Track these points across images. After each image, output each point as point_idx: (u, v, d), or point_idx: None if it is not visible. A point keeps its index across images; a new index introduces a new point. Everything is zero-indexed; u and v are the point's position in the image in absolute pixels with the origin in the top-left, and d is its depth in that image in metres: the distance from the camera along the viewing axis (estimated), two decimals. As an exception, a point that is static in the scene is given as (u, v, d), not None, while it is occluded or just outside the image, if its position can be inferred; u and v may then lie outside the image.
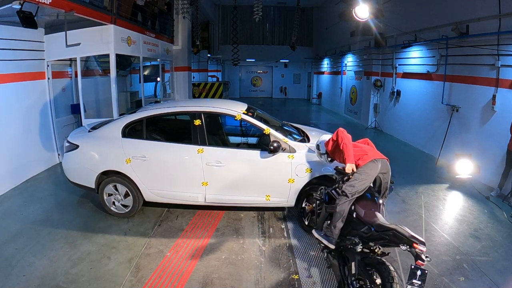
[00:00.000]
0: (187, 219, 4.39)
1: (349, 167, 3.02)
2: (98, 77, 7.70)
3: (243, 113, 4.19)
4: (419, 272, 2.25)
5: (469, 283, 3.19)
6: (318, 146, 3.55)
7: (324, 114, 15.78)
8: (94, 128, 4.56)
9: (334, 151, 3.35)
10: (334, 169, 3.40)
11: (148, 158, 4.07)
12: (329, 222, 3.18)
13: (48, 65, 6.08)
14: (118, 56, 6.45)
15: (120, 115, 5.71)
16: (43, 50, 5.97)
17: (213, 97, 14.63)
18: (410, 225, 3.74)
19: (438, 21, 7.10)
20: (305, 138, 4.40)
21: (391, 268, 2.52)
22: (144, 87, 8.51)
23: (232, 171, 4.06)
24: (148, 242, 3.82)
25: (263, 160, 3.99)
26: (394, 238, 2.48)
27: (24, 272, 3.22)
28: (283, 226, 4.27)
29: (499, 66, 5.54)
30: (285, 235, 4.06)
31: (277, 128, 4.27)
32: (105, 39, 6.12)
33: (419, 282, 2.24)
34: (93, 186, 4.29)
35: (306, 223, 4.06)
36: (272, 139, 3.98)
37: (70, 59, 6.67)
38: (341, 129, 3.22)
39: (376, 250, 2.74)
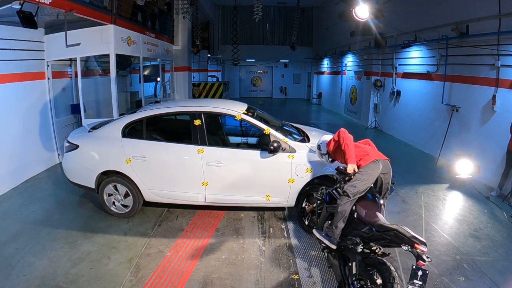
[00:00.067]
0: (187, 219, 4.39)
1: (350, 167, 3.02)
2: (98, 77, 7.70)
3: (243, 113, 4.19)
4: (420, 273, 2.26)
5: (469, 283, 3.19)
6: (319, 147, 3.55)
7: (324, 114, 15.78)
8: (94, 128, 4.56)
9: (335, 152, 3.35)
10: (336, 169, 3.40)
11: (148, 158, 4.07)
12: (329, 222, 3.18)
13: (48, 65, 6.07)
14: (118, 56, 6.45)
15: (120, 115, 5.71)
16: (43, 50, 5.97)
17: (213, 97, 14.63)
18: (410, 225, 3.74)
19: (438, 21, 7.10)
20: (305, 138, 4.40)
21: (392, 268, 2.52)
22: (144, 87, 8.51)
23: (232, 171, 4.06)
24: (148, 242, 3.82)
25: (263, 160, 3.99)
26: (395, 238, 2.48)
27: (24, 272, 3.22)
28: (283, 226, 4.27)
29: (499, 66, 5.54)
30: (285, 235, 4.06)
31: (277, 128, 4.27)
32: (105, 39, 6.12)
33: (420, 283, 2.24)
34: (93, 186, 4.29)
35: (306, 223, 4.06)
36: (272, 139, 3.98)
37: (70, 59, 6.67)
38: (342, 129, 3.23)
39: (376, 251, 2.74)
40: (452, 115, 6.82)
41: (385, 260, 2.64)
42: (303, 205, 4.10)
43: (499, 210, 4.72)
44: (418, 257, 2.31)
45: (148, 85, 10.27)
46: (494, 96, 5.64)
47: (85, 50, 6.09)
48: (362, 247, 2.74)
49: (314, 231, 3.25)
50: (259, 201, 4.18)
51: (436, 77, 7.55)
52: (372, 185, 3.08)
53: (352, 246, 2.76)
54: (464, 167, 5.63)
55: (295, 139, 4.21)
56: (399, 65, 9.40)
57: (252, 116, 4.23)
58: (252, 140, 4.67)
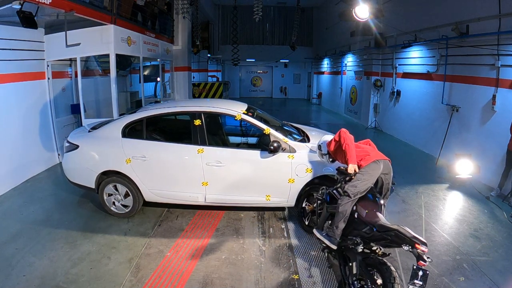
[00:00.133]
0: (187, 219, 4.39)
1: (351, 168, 3.03)
2: (98, 77, 7.70)
3: (243, 113, 4.19)
4: (420, 273, 2.27)
5: (469, 283, 3.19)
6: (319, 147, 3.55)
7: (324, 114, 15.78)
8: (94, 128, 4.56)
9: (336, 152, 3.35)
10: (336, 169, 3.40)
11: (148, 158, 4.07)
12: (330, 222, 3.18)
13: (48, 65, 6.07)
14: (118, 56, 6.45)
15: (120, 115, 5.71)
16: (43, 50, 5.97)
17: (213, 97, 14.62)
18: (410, 225, 3.74)
19: (438, 21, 7.10)
20: (305, 138, 4.40)
21: (393, 268, 2.53)
22: (144, 87, 8.51)
23: (232, 171, 4.06)
24: (148, 242, 3.82)
25: (263, 160, 3.99)
26: (396, 238, 2.48)
27: (24, 272, 3.22)
28: (283, 226, 4.27)
29: (499, 66, 5.54)
30: (285, 235, 4.06)
31: (277, 128, 4.27)
32: (105, 39, 6.12)
33: (421, 283, 2.25)
34: (93, 186, 4.28)
35: (306, 223, 4.06)
36: (272, 139, 3.98)
37: (70, 59, 6.67)
38: (343, 129, 3.23)
39: (377, 251, 2.74)
40: (452, 115, 6.82)
41: (385, 260, 2.64)
42: (303, 205, 4.10)
43: (499, 210, 4.72)
44: (419, 257, 2.31)
45: (148, 85, 10.27)
46: (494, 96, 5.64)
47: (85, 50, 6.09)
48: (362, 247, 2.74)
49: (314, 231, 3.25)
50: (259, 201, 4.18)
51: (436, 77, 7.55)
52: (372, 186, 3.08)
53: (353, 246, 2.76)
54: (464, 167, 5.63)
55: (295, 139, 4.21)
56: (399, 65, 9.40)
57: (252, 116, 4.23)
58: (252, 140, 4.67)
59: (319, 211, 3.58)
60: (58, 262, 3.39)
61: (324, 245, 3.12)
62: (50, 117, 6.25)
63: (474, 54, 6.11)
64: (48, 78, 6.12)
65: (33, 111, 5.83)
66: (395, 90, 9.58)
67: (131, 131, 4.25)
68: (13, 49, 5.18)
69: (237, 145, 4.64)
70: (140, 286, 3.09)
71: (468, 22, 6.20)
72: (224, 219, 4.41)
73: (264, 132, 4.06)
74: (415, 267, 2.30)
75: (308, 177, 3.99)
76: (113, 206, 4.34)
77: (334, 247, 3.00)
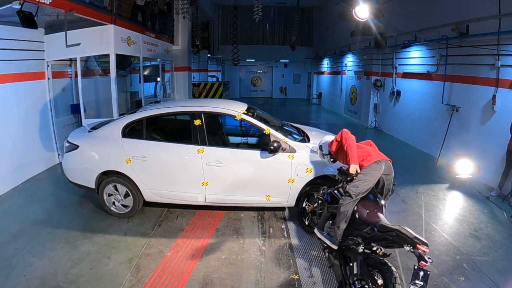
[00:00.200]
0: (187, 219, 4.39)
1: (353, 168, 3.03)
2: (98, 77, 7.70)
3: (243, 113, 4.19)
4: (421, 273, 2.27)
5: (469, 283, 3.19)
6: (321, 147, 3.56)
7: (324, 114, 15.78)
8: (94, 128, 4.56)
9: (337, 152, 3.36)
10: (338, 169, 3.40)
11: (148, 158, 4.07)
12: (330, 222, 3.18)
13: (48, 65, 6.07)
14: (118, 56, 6.45)
15: (120, 115, 5.71)
16: (43, 50, 5.97)
17: (213, 97, 14.62)
18: (410, 225, 3.73)
19: (438, 21, 7.10)
20: (305, 138, 4.40)
21: (394, 269, 2.53)
22: (144, 87, 8.51)
23: (232, 171, 4.06)
24: (148, 242, 3.82)
25: (263, 160, 3.99)
26: (397, 238, 2.49)
27: (24, 272, 3.22)
28: (283, 226, 4.27)
29: (499, 66, 5.54)
30: (285, 235, 4.06)
31: (277, 128, 4.27)
32: (105, 39, 6.12)
33: (422, 283, 2.25)
34: (93, 186, 4.28)
35: (307, 223, 4.06)
36: (272, 139, 3.98)
37: (70, 59, 6.67)
38: (345, 130, 3.23)
39: (377, 251, 2.74)
40: (452, 115, 6.82)
41: (386, 261, 2.64)
42: (304, 205, 4.10)
43: (499, 210, 4.72)
44: (420, 257, 2.32)
45: (148, 85, 10.27)
46: (494, 96, 5.64)
47: (85, 50, 6.09)
48: (363, 247, 2.74)
49: (315, 230, 3.25)
50: (259, 201, 4.18)
51: (436, 77, 7.55)
52: (373, 186, 3.08)
53: (354, 246, 2.76)
54: (464, 167, 5.63)
55: (295, 139, 4.21)
56: (399, 65, 9.40)
57: (252, 116, 4.23)
58: (252, 140, 4.67)
59: (319, 211, 3.58)
60: (58, 262, 3.39)
61: (325, 245, 3.12)
62: (50, 117, 6.25)
63: (474, 54, 6.11)
64: (48, 78, 6.12)
65: (33, 111, 5.83)
66: (395, 90, 9.58)
67: (131, 131, 4.25)
68: (13, 49, 5.18)
69: (237, 145, 4.64)
70: (140, 286, 3.09)
71: (468, 22, 6.20)
72: (224, 219, 4.41)
73: (264, 132, 4.06)
74: (416, 267, 2.30)
75: (308, 177, 3.99)
76: (113, 206, 4.34)
77: (335, 247, 3.00)
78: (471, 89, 6.35)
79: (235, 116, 4.16)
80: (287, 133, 4.29)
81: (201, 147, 4.03)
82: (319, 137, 4.18)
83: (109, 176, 4.23)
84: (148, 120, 4.25)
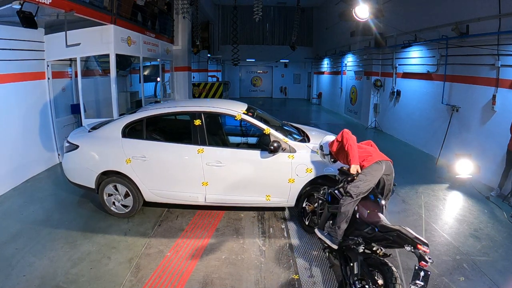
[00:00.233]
0: (187, 219, 4.39)
1: (354, 168, 3.03)
2: (98, 77, 7.70)
3: (243, 113, 4.19)
4: (422, 273, 2.27)
5: (469, 283, 3.19)
6: (321, 147, 3.56)
7: (324, 114, 15.78)
8: (94, 128, 4.56)
9: (338, 152, 3.36)
10: (338, 169, 3.40)
11: (148, 158, 4.07)
12: (331, 222, 3.19)
13: (48, 65, 6.07)
14: (118, 56, 6.45)
15: (120, 115, 5.71)
16: (43, 50, 5.97)
17: (213, 97, 14.62)
18: (410, 225, 3.73)
19: (438, 21, 7.10)
20: (305, 138, 4.40)
21: (394, 269, 2.53)
22: (144, 87, 8.51)
23: (232, 171, 4.06)
24: (148, 242, 3.82)
25: (263, 160, 3.99)
26: (398, 239, 2.49)
27: (24, 272, 3.22)
28: (283, 226, 4.27)
29: (499, 66, 5.54)
30: (285, 235, 4.06)
31: (277, 128, 4.27)
32: (105, 39, 6.12)
33: (422, 283, 2.26)
34: (93, 186, 4.28)
35: (307, 223, 4.06)
36: (272, 139, 3.98)
37: (70, 59, 6.67)
38: (346, 130, 3.23)
39: (378, 251, 2.74)
40: (452, 115, 6.82)
41: (387, 261, 2.65)
42: (304, 205, 4.10)
43: (499, 210, 4.72)
44: (421, 257, 2.32)
45: (148, 85, 10.27)
46: (494, 96, 5.64)
47: (85, 50, 6.09)
48: (363, 248, 2.74)
49: (316, 230, 3.25)
50: (259, 201, 4.18)
51: (436, 77, 7.55)
52: (374, 186, 3.09)
53: (354, 246, 2.76)
54: (464, 167, 5.63)
55: (295, 139, 4.21)
56: (399, 65, 9.40)
57: (252, 116, 4.23)
58: (252, 140, 4.67)
59: (320, 211, 3.58)
60: (58, 262, 3.39)
61: (325, 245, 3.12)
62: (50, 117, 6.25)
63: (474, 54, 6.11)
64: (48, 78, 6.12)
65: (33, 111, 5.83)
66: (395, 90, 9.58)
67: (131, 131, 4.24)
68: (13, 49, 5.18)
69: (237, 145, 4.64)
70: (140, 286, 3.09)
71: (468, 22, 6.20)
72: (224, 219, 4.41)
73: (264, 132, 4.06)
74: (417, 267, 2.31)
75: (308, 177, 3.99)
76: (113, 206, 4.34)
77: (335, 246, 3.00)
78: (471, 89, 6.35)
79: (235, 116, 4.16)
80: (287, 133, 4.29)
81: (201, 147, 4.03)
82: (319, 137, 4.18)
83: (109, 176, 4.23)
84: (148, 120, 4.25)
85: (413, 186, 5.59)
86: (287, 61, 20.70)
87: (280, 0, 18.65)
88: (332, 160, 3.52)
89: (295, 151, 4.00)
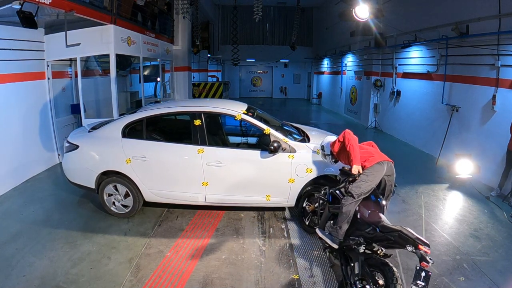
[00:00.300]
0: (187, 219, 4.39)
1: (355, 169, 3.03)
2: (98, 77, 7.70)
3: (243, 113, 4.19)
4: (423, 274, 2.28)
5: (469, 283, 3.19)
6: (323, 147, 3.56)
7: (324, 114, 15.78)
8: (94, 128, 4.56)
9: (340, 153, 3.36)
10: (340, 170, 3.40)
11: (148, 158, 4.07)
12: (332, 222, 3.19)
13: (48, 65, 6.07)
14: (118, 56, 6.45)
15: (120, 115, 5.71)
16: (43, 50, 5.97)
17: (213, 97, 14.62)
18: (410, 225, 3.73)
19: (438, 21, 7.10)
20: (305, 138, 4.40)
21: (395, 269, 2.54)
22: (144, 87, 8.51)
23: (232, 171, 4.06)
24: (148, 242, 3.82)
25: (263, 160, 3.99)
26: (399, 239, 2.49)
27: (24, 272, 3.22)
28: (283, 226, 4.26)
29: (499, 66, 5.54)
30: (285, 235, 4.06)
31: (277, 128, 4.27)
32: (105, 39, 6.12)
33: (423, 284, 2.26)
34: (93, 187, 4.28)
35: (307, 223, 4.06)
36: (272, 139, 3.98)
37: (70, 59, 6.67)
38: (347, 130, 3.23)
39: (378, 252, 2.75)
40: (452, 115, 6.82)
41: (387, 261, 2.65)
42: (304, 205, 4.10)
43: (499, 210, 4.72)
44: (422, 258, 2.32)
45: (148, 85, 10.27)
46: (494, 96, 5.64)
47: (85, 50, 6.09)
48: (364, 248, 2.74)
49: (317, 230, 3.25)
50: (259, 201, 4.18)
51: (436, 77, 7.55)
52: (375, 187, 3.09)
53: (355, 246, 2.77)
54: (464, 167, 5.63)
55: (295, 139, 4.21)
56: (399, 65, 9.40)
57: (252, 116, 4.23)
58: (252, 140, 4.67)
59: (320, 211, 3.58)
60: (58, 262, 3.39)
61: (326, 244, 3.12)
62: (50, 117, 6.25)
63: (474, 54, 6.11)
64: (48, 78, 6.12)
65: (33, 111, 5.83)
66: (395, 90, 9.58)
67: (131, 131, 4.24)
68: (13, 49, 5.18)
69: (237, 145, 4.64)
70: (140, 286, 3.09)
71: (468, 22, 6.20)
72: (224, 219, 4.41)
73: (264, 132, 4.06)
74: (418, 267, 2.31)
75: (308, 177, 3.99)
76: (113, 206, 4.34)
77: (336, 246, 3.00)
78: (471, 89, 6.35)
79: (235, 116, 4.16)
80: (287, 133, 4.29)
81: (201, 147, 4.02)
82: (319, 137, 4.19)
83: (109, 176, 4.23)
84: (148, 120, 4.25)
85: (413, 186, 5.59)
86: (287, 61, 20.70)
87: (280, 0, 18.65)
88: (333, 160, 3.53)
89: (295, 151, 4.00)
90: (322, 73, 18.69)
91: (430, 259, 2.31)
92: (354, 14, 6.76)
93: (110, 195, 4.30)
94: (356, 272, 2.68)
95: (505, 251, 3.72)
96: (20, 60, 5.41)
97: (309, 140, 4.29)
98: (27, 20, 4.53)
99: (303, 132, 4.71)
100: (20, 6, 4.34)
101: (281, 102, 21.13)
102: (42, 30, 5.86)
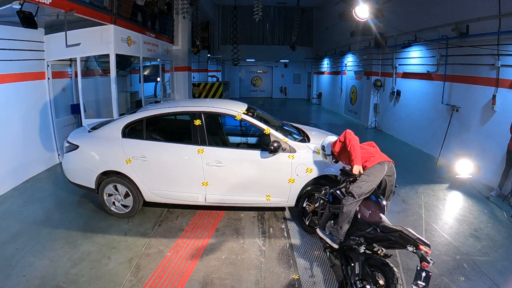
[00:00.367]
0: (187, 219, 4.39)
1: (356, 169, 3.04)
2: (98, 77, 7.70)
3: (243, 113, 4.19)
4: (424, 274, 2.28)
5: (469, 283, 3.19)
6: (323, 147, 3.56)
7: (324, 114, 15.78)
8: (94, 128, 4.56)
9: (340, 153, 3.36)
10: (340, 170, 3.41)
11: (148, 158, 4.07)
12: (333, 222, 3.19)
13: (48, 65, 6.07)
14: (118, 56, 6.45)
15: (120, 115, 5.71)
16: (43, 50, 5.97)
17: (213, 97, 14.62)
18: (410, 225, 3.74)
19: (438, 21, 7.10)
20: (305, 138, 4.40)
21: (395, 269, 2.54)
22: (144, 87, 8.51)
23: (232, 171, 4.06)
24: (148, 242, 3.82)
25: (263, 160, 3.99)
26: (400, 239, 2.50)
27: (24, 272, 3.22)
28: (283, 226, 4.26)
29: (499, 66, 5.54)
30: (285, 235, 4.06)
31: (277, 128, 4.27)
32: (105, 39, 6.12)
33: (424, 284, 2.27)
34: (93, 187, 4.28)
35: (307, 223, 4.06)
36: (272, 139, 3.98)
37: (70, 59, 6.67)
38: (348, 130, 3.23)
39: (379, 252, 2.75)
40: (452, 115, 6.82)
41: (388, 261, 2.65)
42: (304, 205, 4.10)
43: (499, 210, 4.72)
44: (423, 258, 2.33)
45: (148, 85, 10.27)
46: (494, 96, 5.64)
47: (85, 50, 6.09)
48: (364, 248, 2.74)
49: (317, 230, 3.25)
50: (259, 201, 4.18)
51: (436, 77, 7.55)
52: (375, 187, 3.09)
53: (356, 246, 2.77)
54: (464, 167, 5.63)
55: (295, 139, 4.21)
56: (399, 65, 9.40)
57: (252, 116, 4.23)
58: (252, 140, 4.67)
59: (321, 211, 3.58)
60: (58, 262, 3.39)
61: (327, 244, 3.12)
62: (50, 117, 6.25)
63: (474, 54, 6.11)
64: (48, 78, 6.12)
65: (33, 111, 5.83)
66: (395, 90, 9.58)
67: (131, 131, 4.24)
68: (13, 49, 5.18)
69: (237, 145, 4.64)
70: (140, 286, 3.09)
71: (468, 22, 6.20)
72: (224, 219, 4.41)
73: (264, 132, 4.06)
74: (418, 268, 2.32)
75: (308, 177, 3.99)
76: (113, 206, 4.34)
77: (336, 246, 3.00)
78: (471, 89, 6.35)
79: (235, 116, 4.15)
80: (287, 133, 4.29)
81: (201, 147, 4.02)
82: (319, 137, 4.19)
83: (109, 176, 4.23)
84: (148, 120, 4.25)
85: (413, 186, 5.59)
86: (287, 61, 20.70)
87: (280, 0, 18.65)
88: (334, 160, 3.53)
89: (295, 151, 4.00)
90: (322, 73, 18.69)
91: (430, 259, 2.32)
92: (354, 14, 6.77)
93: (110, 195, 4.30)
94: (357, 272, 2.68)
95: (505, 251, 3.72)
96: (20, 60, 5.41)
97: (309, 140, 4.29)
98: (27, 20, 4.53)
99: (303, 132, 4.71)
100: (20, 6, 4.34)
101: (281, 102, 21.13)
102: (42, 30, 5.86)
